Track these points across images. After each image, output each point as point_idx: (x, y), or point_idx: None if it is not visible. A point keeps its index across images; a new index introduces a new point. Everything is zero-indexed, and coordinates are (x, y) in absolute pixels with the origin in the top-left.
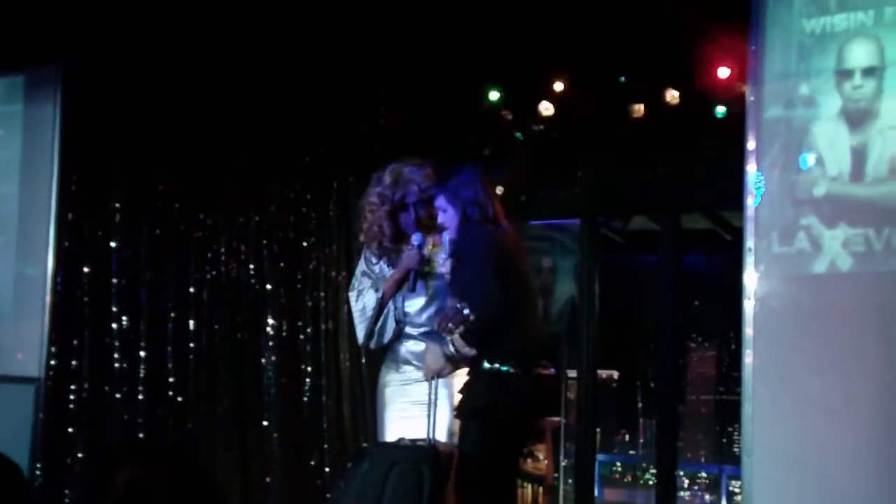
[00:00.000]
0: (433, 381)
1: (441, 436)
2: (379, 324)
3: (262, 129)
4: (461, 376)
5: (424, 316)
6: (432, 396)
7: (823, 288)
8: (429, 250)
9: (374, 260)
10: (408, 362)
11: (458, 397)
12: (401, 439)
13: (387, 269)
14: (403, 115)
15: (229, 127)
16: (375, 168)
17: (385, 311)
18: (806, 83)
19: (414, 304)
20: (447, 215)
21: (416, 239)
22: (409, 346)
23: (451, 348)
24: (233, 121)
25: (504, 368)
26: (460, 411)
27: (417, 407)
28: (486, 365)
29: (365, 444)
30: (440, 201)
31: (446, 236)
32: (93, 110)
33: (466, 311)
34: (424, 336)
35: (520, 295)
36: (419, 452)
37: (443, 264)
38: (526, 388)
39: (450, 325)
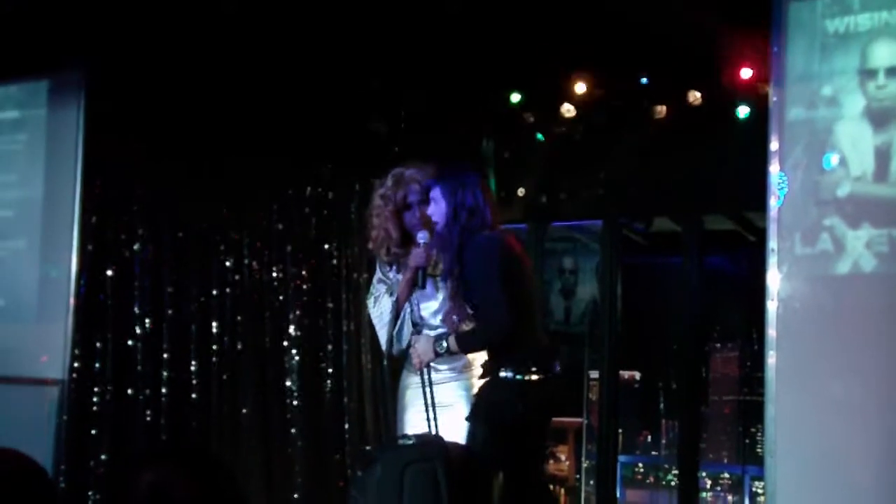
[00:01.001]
0: (427, 375)
1: (458, 437)
2: (396, 328)
3: (284, 132)
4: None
5: (439, 318)
6: (427, 391)
7: (846, 289)
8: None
9: (387, 267)
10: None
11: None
12: (403, 436)
13: (400, 275)
14: (424, 118)
15: (251, 130)
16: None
17: (402, 315)
18: (829, 83)
19: (428, 308)
20: (437, 208)
21: (422, 237)
22: None
23: (444, 345)
24: (254, 124)
25: (526, 377)
26: (477, 416)
27: (437, 409)
28: (509, 374)
29: (367, 448)
30: (435, 192)
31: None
32: (116, 114)
33: (471, 311)
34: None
35: (527, 300)
36: (429, 450)
37: (431, 268)
38: (546, 393)
39: (454, 317)
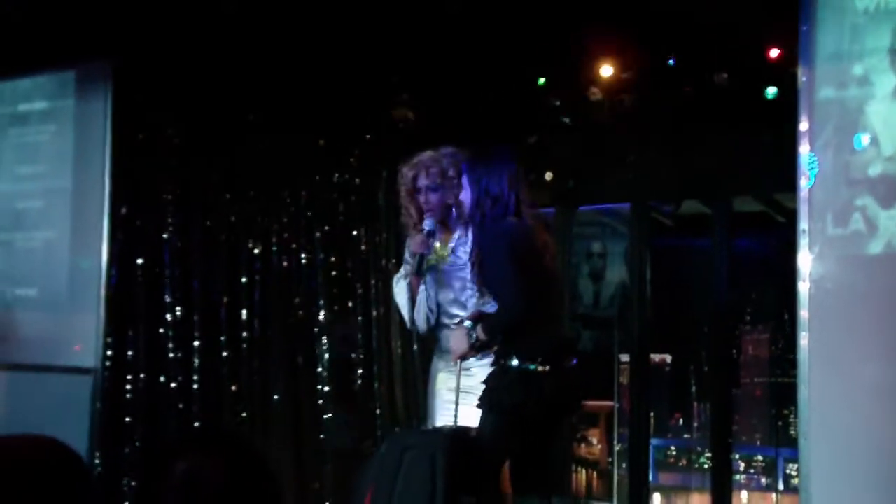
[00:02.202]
0: (459, 364)
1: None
2: (415, 311)
3: (312, 119)
4: None
5: (455, 308)
6: (458, 382)
7: (880, 269)
8: (442, 245)
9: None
10: (448, 351)
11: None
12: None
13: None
14: (450, 103)
15: (279, 118)
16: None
17: (418, 298)
18: (860, 63)
19: (445, 296)
20: (465, 194)
21: (426, 224)
22: (447, 336)
23: (473, 336)
24: (282, 112)
25: (531, 367)
26: (482, 403)
27: (464, 395)
28: (515, 362)
29: (397, 430)
30: (464, 178)
31: (458, 232)
32: (143, 104)
33: (485, 309)
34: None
35: (543, 290)
36: (433, 438)
37: (457, 255)
38: (553, 386)
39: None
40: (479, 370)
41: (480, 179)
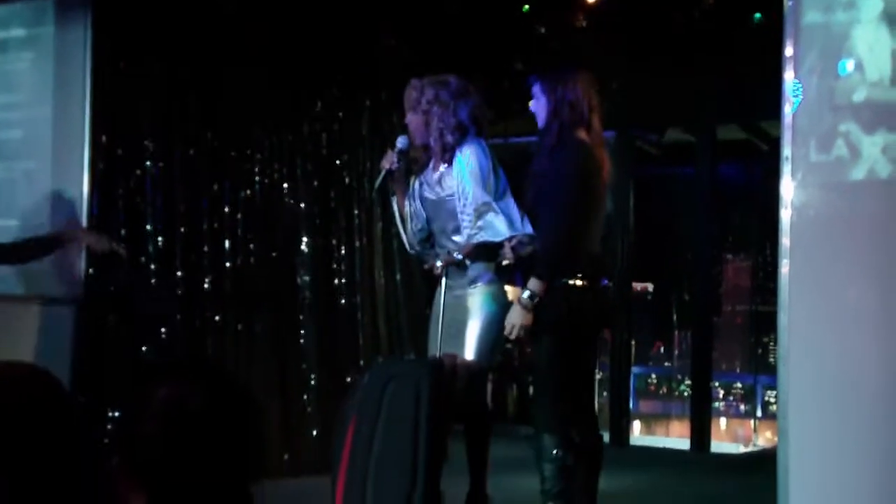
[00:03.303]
0: (442, 291)
1: (469, 351)
2: (409, 229)
3: (294, 47)
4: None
5: (444, 239)
6: (440, 309)
7: (862, 195)
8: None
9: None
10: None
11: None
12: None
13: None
14: (435, 31)
15: (261, 47)
16: (405, 85)
17: (406, 219)
18: None
19: (435, 227)
20: (539, 104)
21: (398, 142)
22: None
23: (530, 292)
24: (264, 40)
25: (571, 282)
26: (535, 324)
27: (457, 323)
28: (558, 280)
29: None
30: (535, 88)
31: (443, 164)
32: (123, 32)
33: (475, 239)
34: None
35: (595, 213)
36: (417, 367)
37: (442, 186)
38: (590, 301)
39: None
40: (469, 297)
41: (555, 88)
